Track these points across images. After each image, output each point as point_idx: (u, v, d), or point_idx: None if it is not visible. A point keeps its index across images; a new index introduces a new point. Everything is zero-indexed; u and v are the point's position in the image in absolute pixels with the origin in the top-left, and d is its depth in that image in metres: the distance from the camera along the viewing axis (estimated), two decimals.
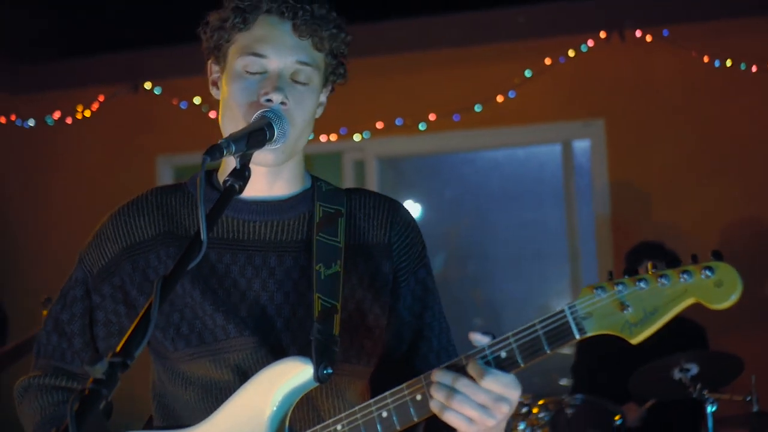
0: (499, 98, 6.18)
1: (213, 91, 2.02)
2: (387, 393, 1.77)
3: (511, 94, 6.18)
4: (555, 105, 6.24)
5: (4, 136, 6.97)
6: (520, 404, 4.18)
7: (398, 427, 1.77)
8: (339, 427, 1.81)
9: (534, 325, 1.68)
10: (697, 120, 5.97)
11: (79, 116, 6.80)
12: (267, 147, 1.83)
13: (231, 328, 1.90)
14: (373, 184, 6.59)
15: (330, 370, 1.84)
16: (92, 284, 2.03)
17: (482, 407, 1.67)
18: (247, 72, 1.92)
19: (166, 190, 2.07)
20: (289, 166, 2.00)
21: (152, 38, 6.39)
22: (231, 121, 1.92)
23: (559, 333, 1.66)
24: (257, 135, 1.77)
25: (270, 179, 1.99)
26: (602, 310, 1.65)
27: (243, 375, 1.89)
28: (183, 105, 6.61)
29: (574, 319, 1.65)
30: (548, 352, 1.67)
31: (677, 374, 4.11)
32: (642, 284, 1.62)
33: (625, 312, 1.63)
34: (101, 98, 6.77)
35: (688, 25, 5.93)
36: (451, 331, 2.11)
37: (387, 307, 2.01)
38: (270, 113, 1.84)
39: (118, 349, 1.39)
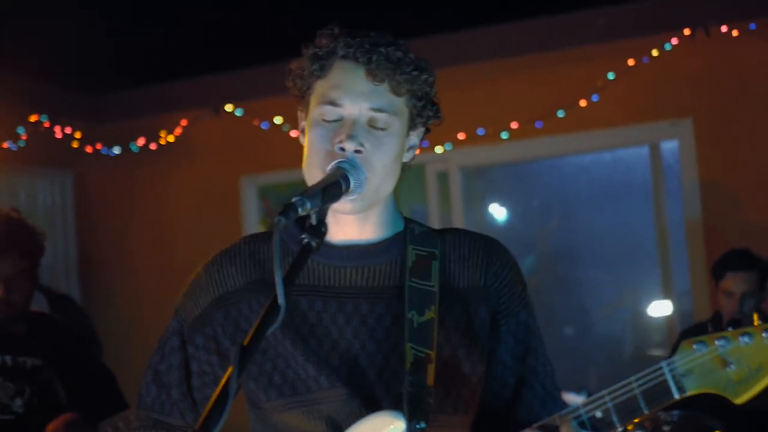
0: (582, 102, 6.06)
1: (301, 138, 1.99)
2: None
3: (595, 98, 6.06)
4: (640, 106, 6.10)
5: (91, 165, 7.06)
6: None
7: None
8: None
9: (630, 383, 1.62)
10: None
11: (162, 141, 6.87)
12: (344, 198, 1.79)
13: (323, 380, 1.87)
14: (457, 195, 6.53)
15: (423, 425, 1.78)
16: (187, 335, 2.03)
17: None
18: (324, 120, 1.89)
19: (259, 237, 2.05)
20: (377, 209, 1.96)
21: (232, 61, 6.43)
22: (310, 170, 1.89)
23: (657, 392, 1.58)
24: (332, 189, 1.74)
25: (359, 223, 1.96)
26: (703, 366, 1.57)
27: (336, 427, 1.86)
28: (264, 125, 6.63)
29: (673, 377, 1.58)
30: (646, 412, 1.60)
31: None
32: (746, 339, 1.53)
33: (727, 369, 1.54)
34: (184, 122, 6.83)
35: None
36: (545, 344, 2.05)
37: (485, 353, 1.95)
38: (345, 164, 1.81)
39: (199, 426, 1.37)
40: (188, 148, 6.91)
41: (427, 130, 2.03)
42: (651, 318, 7.01)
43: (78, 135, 6.85)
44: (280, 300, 1.52)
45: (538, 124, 6.15)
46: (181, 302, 2.07)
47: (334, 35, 1.93)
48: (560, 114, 6.10)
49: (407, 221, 2.05)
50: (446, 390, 1.89)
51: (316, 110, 1.90)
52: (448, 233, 2.04)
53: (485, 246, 2.01)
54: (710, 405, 4.37)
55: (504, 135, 6.23)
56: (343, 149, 1.84)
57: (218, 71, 6.61)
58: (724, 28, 5.79)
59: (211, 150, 6.92)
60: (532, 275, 7.46)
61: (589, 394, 1.68)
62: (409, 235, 2.00)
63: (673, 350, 1.62)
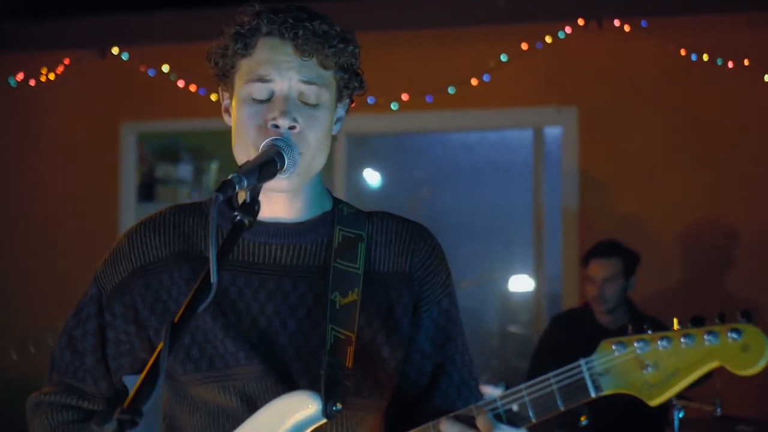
0: (474, 81, 6.11)
1: (225, 117, 1.97)
2: None
3: (486, 78, 6.11)
4: (529, 90, 6.19)
5: None
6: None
7: None
8: None
9: (549, 379, 1.65)
10: (671, 113, 5.95)
11: (43, 79, 6.63)
12: (279, 176, 1.77)
13: (241, 356, 1.86)
14: (341, 160, 6.53)
15: (339, 407, 1.80)
16: (105, 302, 2.00)
17: None
18: (253, 98, 1.86)
19: (185, 208, 2.03)
20: (307, 187, 1.95)
21: (122, 3, 6.24)
22: (242, 148, 1.87)
23: (574, 389, 1.62)
24: (268, 167, 1.72)
25: (289, 201, 1.94)
26: (621, 367, 1.60)
27: (251, 404, 1.85)
28: (151, 72, 6.47)
29: (591, 375, 1.61)
30: (562, 408, 1.63)
31: None
32: (664, 342, 1.58)
33: (644, 372, 1.59)
34: (67, 62, 6.61)
35: (667, 17, 5.89)
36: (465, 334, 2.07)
37: (405, 338, 1.95)
38: (280, 141, 1.79)
39: (127, 404, 1.34)
40: (69, 89, 6.69)
41: (351, 102, 2.03)
42: (519, 297, 7.17)
43: None
44: (213, 278, 1.50)
45: (429, 99, 6.18)
46: (101, 269, 2.03)
47: (255, 12, 1.90)
48: (451, 90, 6.13)
49: (336, 201, 2.04)
50: (364, 373, 1.89)
51: (244, 88, 1.88)
52: (376, 216, 2.04)
53: (412, 232, 2.01)
54: None
55: (394, 106, 6.24)
56: (276, 126, 1.82)
57: (107, 12, 6.40)
58: (617, 22, 5.92)
59: (92, 92, 6.72)
60: None
61: (507, 388, 1.70)
62: (337, 216, 1.99)
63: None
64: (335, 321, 1.86)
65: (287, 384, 1.85)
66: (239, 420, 1.85)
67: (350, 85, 1.96)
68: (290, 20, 1.86)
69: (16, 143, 6.85)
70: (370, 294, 1.93)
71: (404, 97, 6.20)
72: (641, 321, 4.65)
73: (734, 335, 1.55)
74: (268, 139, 1.79)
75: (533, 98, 6.21)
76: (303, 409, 1.79)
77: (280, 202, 1.93)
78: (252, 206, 1.65)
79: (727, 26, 5.86)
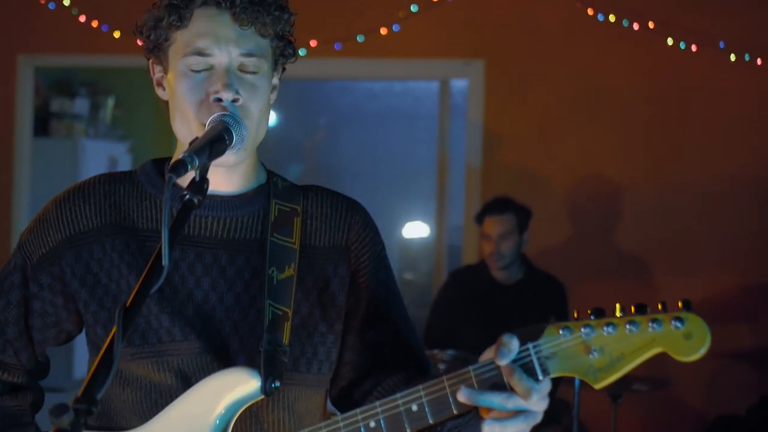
0: (383, 30, 6.09)
1: (159, 91, 1.92)
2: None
3: (395, 28, 6.09)
4: (438, 42, 6.20)
5: None
6: None
7: None
8: None
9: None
10: (576, 72, 6.04)
11: None
12: (228, 151, 1.75)
13: (176, 331, 1.83)
14: None
15: (278, 384, 1.79)
16: (30, 272, 1.93)
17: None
18: (192, 71, 1.82)
19: (116, 177, 1.97)
20: (245, 160, 1.91)
21: None
22: (183, 123, 1.83)
23: (524, 372, 1.64)
24: (218, 145, 1.69)
25: (227, 174, 1.90)
26: (567, 351, 1.64)
27: (186, 380, 1.82)
28: (51, 6, 6.26)
29: (539, 359, 1.64)
30: (508, 389, 1.66)
31: None
32: (609, 329, 1.62)
33: (590, 356, 1.63)
34: None
35: None
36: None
37: (342, 311, 1.95)
38: (227, 117, 1.75)
39: (81, 392, 1.32)
40: None
41: (284, 70, 1.99)
42: (417, 245, 7.24)
43: None
44: (165, 260, 1.47)
45: (337, 46, 6.14)
46: (26, 237, 1.96)
47: None
48: (360, 39, 6.10)
49: (270, 174, 2.02)
50: (302, 348, 1.89)
51: (182, 61, 1.82)
52: (311, 190, 2.02)
53: (347, 206, 2.01)
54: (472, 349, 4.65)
55: (301, 52, 6.16)
56: (219, 99, 1.78)
57: None
58: None
59: None
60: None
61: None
62: (273, 189, 1.97)
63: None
64: (272, 296, 1.85)
65: (224, 360, 1.83)
66: (173, 397, 1.82)
67: (285, 52, 1.93)
68: None
69: None
70: (306, 268, 1.92)
71: (312, 43, 6.14)
72: (536, 276, 4.79)
73: (677, 323, 1.60)
74: (215, 115, 1.76)
75: (441, 50, 6.22)
76: (241, 385, 1.78)
77: (218, 175, 1.87)
78: (201, 184, 1.62)
79: None
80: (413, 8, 6.05)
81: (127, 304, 1.42)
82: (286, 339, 1.83)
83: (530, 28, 6.08)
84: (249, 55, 1.82)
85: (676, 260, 5.97)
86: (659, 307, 1.65)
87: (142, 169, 1.98)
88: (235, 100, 1.79)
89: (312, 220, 1.97)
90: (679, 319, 1.61)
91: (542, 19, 6.06)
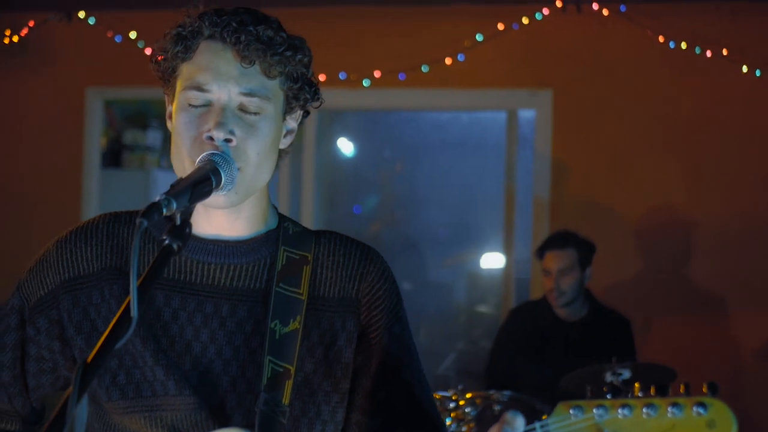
0: (448, 60, 5.99)
1: (168, 124, 1.83)
2: None
3: (460, 57, 5.99)
4: (504, 72, 6.08)
5: None
6: (447, 400, 4.09)
7: None
8: None
9: None
10: (647, 101, 5.86)
11: (6, 41, 6.45)
12: (216, 193, 1.65)
13: (171, 385, 1.73)
14: (311, 135, 6.41)
15: None
16: (28, 315, 1.84)
17: None
18: (191, 105, 1.73)
19: (120, 218, 1.87)
20: (251, 203, 1.81)
21: None
22: (178, 159, 1.75)
23: None
24: (201, 186, 1.59)
25: (231, 217, 1.81)
26: None
27: None
28: (118, 38, 6.30)
29: None
30: None
31: (609, 377, 4.07)
32: (625, 411, 1.48)
33: None
34: (31, 23, 6.43)
35: (647, 3, 5.78)
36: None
37: (350, 369, 1.83)
38: (217, 157, 1.66)
39: None
40: (34, 52, 6.51)
41: (306, 113, 1.90)
42: (488, 276, 7.11)
43: None
44: (133, 312, 1.36)
45: (401, 76, 6.06)
46: (25, 278, 1.87)
47: (198, 13, 1.77)
48: (424, 69, 6.02)
49: (282, 218, 1.91)
50: (303, 408, 1.78)
51: (182, 95, 1.74)
52: (324, 236, 1.90)
53: (361, 254, 1.89)
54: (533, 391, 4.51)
55: (366, 82, 6.11)
56: (211, 138, 1.69)
57: None
58: (595, 6, 5.80)
59: (58, 56, 6.55)
60: (376, 223, 7.44)
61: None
62: (282, 235, 1.86)
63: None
64: (274, 352, 1.75)
65: (219, 419, 1.74)
66: None
67: (300, 95, 1.82)
68: (233, 23, 1.72)
69: None
70: (313, 322, 1.81)
71: (376, 73, 6.08)
72: (601, 313, 4.59)
73: (700, 410, 1.45)
74: (204, 154, 1.67)
75: (508, 80, 6.10)
76: None
77: (221, 218, 1.80)
78: (182, 229, 1.52)
79: (707, 14, 5.76)
80: (478, 37, 5.95)
81: (88, 360, 1.31)
82: (286, 399, 1.73)
83: (598, 57, 5.93)
84: (250, 95, 1.72)
85: (753, 297, 5.73)
86: (681, 389, 1.50)
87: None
88: (228, 140, 1.69)
89: (322, 269, 1.86)
90: (702, 404, 1.46)
91: (611, 47, 5.90)
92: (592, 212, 5.86)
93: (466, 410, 4.05)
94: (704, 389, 1.48)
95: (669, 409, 1.46)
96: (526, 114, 6.33)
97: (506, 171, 6.34)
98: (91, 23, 6.36)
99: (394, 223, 7.61)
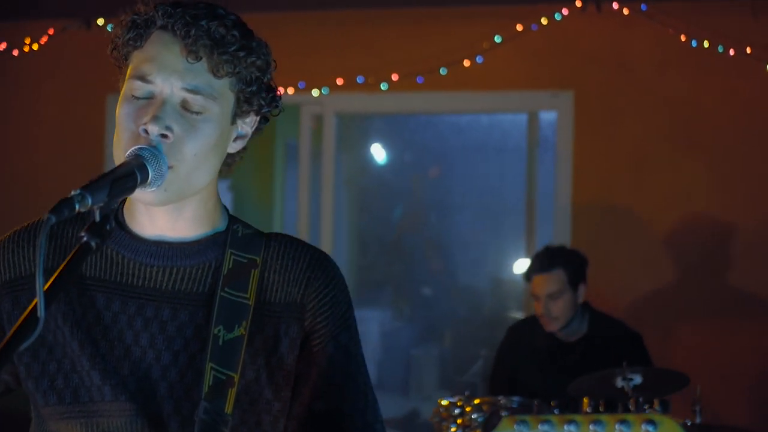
0: (466, 62, 5.92)
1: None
2: None
3: (479, 59, 5.92)
4: (523, 73, 5.99)
5: None
6: (453, 406, 4.00)
7: None
8: None
9: None
10: (669, 101, 5.75)
11: (26, 49, 6.47)
12: (142, 189, 1.58)
13: (107, 390, 1.67)
14: (330, 139, 6.36)
15: None
16: None
17: None
18: (134, 96, 1.67)
19: (66, 218, 1.81)
20: (193, 203, 1.75)
21: None
22: (116, 150, 1.68)
23: None
24: (124, 182, 1.52)
25: (172, 217, 1.74)
26: None
27: None
28: None
29: None
30: None
31: (620, 383, 3.93)
32: (571, 427, 1.41)
33: None
34: (51, 32, 6.45)
35: (668, 1, 5.67)
36: (369, 373, 1.86)
37: (291, 376, 1.76)
38: (145, 151, 1.59)
39: None
40: (54, 59, 6.53)
41: (265, 120, 1.82)
42: (511, 280, 7.03)
43: None
44: (40, 312, 1.30)
45: (419, 79, 5.99)
46: None
47: (154, 3, 1.71)
48: (443, 71, 5.95)
49: (232, 220, 1.84)
50: (243, 417, 1.72)
51: (128, 84, 1.69)
52: (274, 239, 1.83)
53: (310, 259, 1.81)
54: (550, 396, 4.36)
55: (384, 86, 6.05)
56: (147, 131, 1.62)
57: None
58: (615, 5, 5.70)
59: (78, 63, 6.55)
60: (398, 228, 7.38)
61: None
62: (231, 238, 1.79)
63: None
64: (216, 359, 1.68)
65: (156, 426, 1.67)
66: None
67: (253, 100, 1.74)
68: (187, 17, 1.66)
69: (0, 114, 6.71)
70: (257, 328, 1.74)
71: (394, 77, 6.02)
72: (603, 327, 4.37)
73: (649, 427, 1.38)
74: (133, 148, 1.60)
75: (528, 82, 6.01)
76: None
77: (162, 218, 1.74)
78: (102, 226, 1.46)
79: (729, 12, 5.64)
80: (497, 39, 5.87)
81: None
82: (229, 407, 1.66)
83: (620, 57, 5.82)
84: (194, 92, 1.65)
85: None
86: (631, 404, 1.43)
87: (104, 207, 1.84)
88: (164, 136, 1.62)
89: (270, 273, 1.78)
90: (651, 422, 1.40)
91: (632, 47, 5.80)
92: (614, 215, 5.76)
93: (473, 416, 3.94)
94: (655, 404, 1.40)
95: (617, 426, 1.39)
96: (547, 116, 6.24)
97: (527, 174, 6.25)
98: (110, 30, 6.34)
99: (418, 228, 7.55)
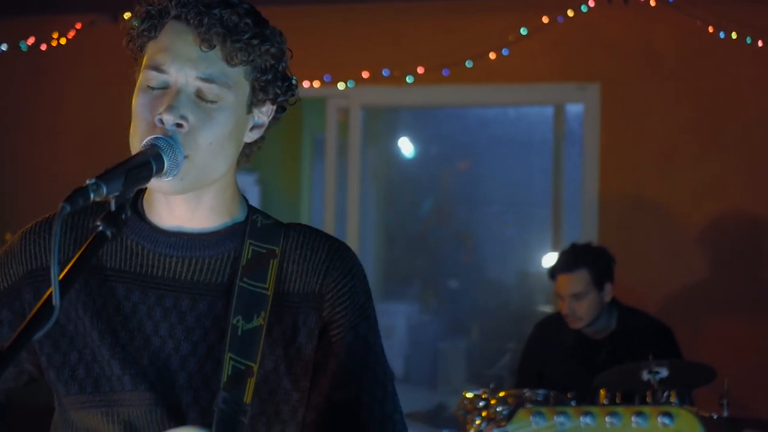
0: (492, 55, 5.89)
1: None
2: None
3: (505, 52, 5.89)
4: (550, 66, 5.96)
5: None
6: (478, 398, 3.98)
7: None
8: None
9: None
10: (698, 92, 5.70)
11: (54, 44, 6.51)
12: (158, 178, 1.59)
13: (127, 380, 1.68)
14: (356, 133, 6.36)
15: None
16: None
17: None
18: (149, 86, 1.67)
19: (87, 208, 1.80)
20: (211, 193, 1.75)
21: None
22: (132, 140, 1.68)
23: None
24: (139, 171, 1.52)
25: (190, 206, 1.75)
26: None
27: None
28: None
29: None
30: None
31: (646, 375, 3.90)
32: (587, 419, 1.40)
33: None
34: (78, 26, 6.48)
35: None
36: (388, 363, 1.85)
37: (309, 366, 1.76)
38: (161, 141, 1.59)
39: None
40: (81, 53, 6.57)
41: (282, 109, 1.82)
42: (538, 273, 7.01)
43: None
44: (55, 300, 1.31)
45: (445, 72, 5.97)
46: None
47: None
48: (468, 64, 5.92)
49: (251, 210, 1.84)
50: (262, 406, 1.71)
51: (143, 74, 1.68)
52: (293, 229, 1.83)
53: (329, 248, 1.80)
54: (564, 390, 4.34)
55: (409, 79, 6.04)
56: (162, 121, 1.63)
57: None
58: None
59: (105, 57, 6.57)
60: (425, 222, 7.37)
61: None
62: (250, 228, 1.79)
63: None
64: (235, 349, 1.68)
65: (175, 416, 1.68)
66: None
67: (269, 89, 1.74)
68: (200, 6, 1.66)
69: (27, 108, 6.74)
70: (276, 318, 1.74)
71: (420, 70, 6.00)
72: (632, 322, 4.34)
73: (666, 420, 1.37)
74: (148, 138, 1.60)
75: (554, 74, 5.98)
76: None
77: (180, 208, 1.74)
78: (118, 215, 1.47)
79: (758, 3, 5.59)
80: (523, 31, 5.84)
81: (4, 348, 1.26)
82: (248, 397, 1.66)
83: (647, 49, 5.78)
84: (208, 80, 1.65)
85: None
86: (647, 396, 1.41)
87: (120, 196, 1.84)
88: (179, 125, 1.63)
89: (289, 263, 1.78)
90: (668, 414, 1.38)
91: (659, 39, 5.75)
92: (641, 209, 5.72)
93: (498, 409, 3.92)
94: (672, 396, 1.38)
95: (633, 418, 1.38)
96: (574, 108, 6.21)
97: (553, 167, 6.22)
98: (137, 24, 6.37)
99: (445, 221, 7.54)
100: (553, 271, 4.65)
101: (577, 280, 4.49)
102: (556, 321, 4.83)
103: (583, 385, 4.13)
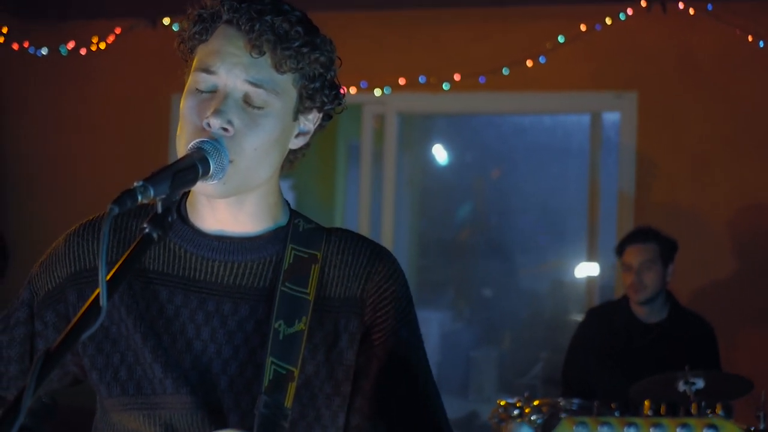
0: (529, 63, 5.89)
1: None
2: None
3: (542, 60, 5.89)
4: (587, 74, 5.95)
5: (16, 62, 6.76)
6: (512, 407, 3.98)
7: None
8: None
9: None
10: (735, 101, 5.67)
11: (93, 48, 6.57)
12: (204, 181, 1.59)
13: (168, 383, 1.68)
14: (392, 139, 6.36)
15: None
16: (36, 309, 1.81)
17: None
18: (198, 89, 1.68)
19: (131, 211, 1.80)
20: (254, 198, 1.75)
21: None
22: (180, 141, 1.68)
23: None
24: (185, 174, 1.52)
25: (233, 210, 1.75)
26: None
27: None
28: None
29: None
30: None
31: (682, 386, 3.89)
32: (631, 430, 1.39)
33: None
34: (118, 31, 6.54)
35: (734, 1, 5.59)
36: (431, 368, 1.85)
37: (351, 372, 1.75)
38: (207, 144, 1.59)
39: None
40: (120, 58, 6.62)
41: (328, 117, 1.81)
42: (572, 282, 6.98)
43: (5, 30, 6.54)
44: (103, 301, 1.30)
45: (482, 79, 5.98)
46: (36, 271, 1.84)
47: None
48: (505, 71, 5.93)
49: (294, 215, 1.84)
50: (302, 411, 1.72)
51: (192, 77, 1.70)
52: (335, 234, 1.83)
53: (371, 253, 1.80)
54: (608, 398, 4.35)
55: (446, 86, 6.05)
56: (210, 125, 1.63)
57: None
58: (681, 5, 5.64)
59: (143, 62, 6.64)
60: (466, 227, 7.36)
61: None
62: (292, 232, 1.79)
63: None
64: (277, 354, 1.68)
65: (216, 419, 1.68)
66: None
67: (316, 97, 1.73)
68: (252, 12, 1.66)
69: (66, 112, 6.81)
70: (317, 323, 1.74)
71: (456, 77, 6.01)
72: (681, 316, 4.38)
73: None
74: (195, 141, 1.61)
75: (591, 82, 5.97)
76: None
77: (223, 211, 1.74)
78: (164, 217, 1.47)
79: None
80: (560, 39, 5.84)
81: (52, 348, 1.26)
82: (288, 402, 1.65)
83: (684, 57, 5.75)
84: (256, 85, 1.65)
85: None
86: (693, 408, 1.40)
87: (167, 199, 1.84)
88: (225, 130, 1.63)
89: (330, 268, 1.78)
90: (713, 427, 1.37)
91: (697, 47, 5.72)
92: (678, 218, 5.68)
93: (532, 418, 3.92)
94: (718, 409, 1.38)
95: (678, 430, 1.37)
96: (610, 117, 6.19)
97: (590, 175, 6.20)
98: (176, 30, 6.42)
99: (479, 229, 7.53)
100: (623, 245, 4.86)
101: (648, 251, 4.72)
102: (609, 306, 5.05)
103: (629, 367, 4.33)
